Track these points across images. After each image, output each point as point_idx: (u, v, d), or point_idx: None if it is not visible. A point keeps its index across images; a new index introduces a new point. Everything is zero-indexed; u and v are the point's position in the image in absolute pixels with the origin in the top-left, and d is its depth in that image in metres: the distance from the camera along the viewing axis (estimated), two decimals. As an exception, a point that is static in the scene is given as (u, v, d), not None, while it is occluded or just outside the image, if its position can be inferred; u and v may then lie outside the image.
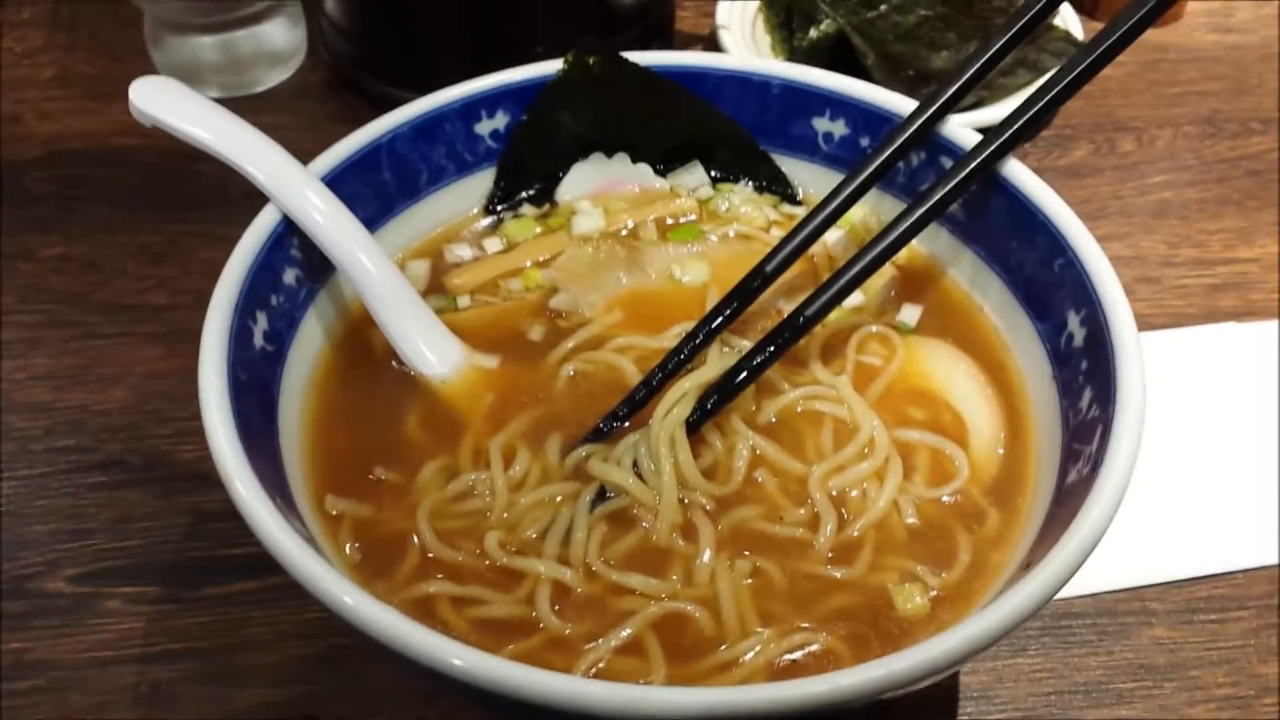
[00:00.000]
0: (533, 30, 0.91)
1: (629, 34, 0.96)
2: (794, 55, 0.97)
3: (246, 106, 0.96)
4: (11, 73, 1.03)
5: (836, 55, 0.94)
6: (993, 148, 0.57)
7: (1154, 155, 0.93)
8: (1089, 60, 0.57)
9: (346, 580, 0.42)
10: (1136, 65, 1.02)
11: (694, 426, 0.54)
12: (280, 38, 0.98)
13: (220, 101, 0.93)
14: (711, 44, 0.99)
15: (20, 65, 1.03)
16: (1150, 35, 1.04)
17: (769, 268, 0.58)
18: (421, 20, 0.92)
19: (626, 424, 0.55)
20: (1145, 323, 0.77)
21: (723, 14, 0.98)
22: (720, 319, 0.57)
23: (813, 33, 0.96)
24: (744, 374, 0.54)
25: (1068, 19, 0.98)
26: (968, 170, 0.56)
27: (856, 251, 0.57)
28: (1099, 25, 1.04)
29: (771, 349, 0.55)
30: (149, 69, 1.00)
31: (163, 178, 0.90)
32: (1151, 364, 0.72)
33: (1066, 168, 0.92)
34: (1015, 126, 0.57)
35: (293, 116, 0.96)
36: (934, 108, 0.60)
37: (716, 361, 0.56)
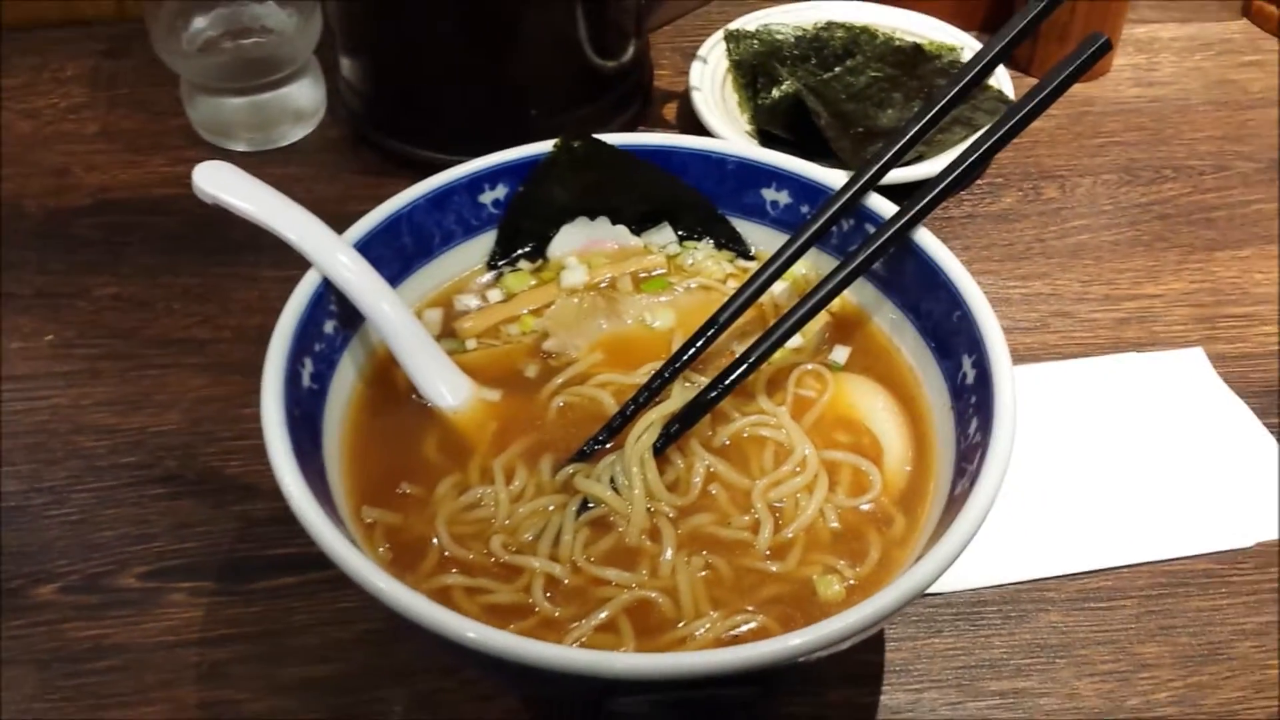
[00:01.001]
0: (526, 94, 1.02)
1: (613, 94, 1.07)
2: (757, 113, 1.08)
3: (273, 159, 1.09)
4: (58, 127, 1.13)
5: (795, 113, 1.06)
6: (906, 218, 0.68)
7: (1075, 201, 1.05)
8: (991, 141, 0.68)
9: (383, 572, 0.53)
10: (1065, 117, 1.14)
11: (660, 449, 0.65)
12: (303, 98, 1.10)
13: (247, 155, 1.08)
14: (686, 101, 1.10)
15: (65, 120, 1.14)
16: (1078, 90, 1.17)
17: (724, 316, 0.70)
18: (426, 85, 1.02)
19: (606, 446, 0.66)
20: (1058, 352, 0.91)
21: (695, 76, 1.10)
22: (683, 359, 0.68)
23: (775, 93, 1.08)
24: (701, 406, 0.66)
25: (1000, 79, 1.10)
26: (885, 236, 0.68)
27: (797, 302, 0.69)
28: (1033, 80, 1.17)
29: (725, 384, 0.66)
30: (184, 126, 1.11)
31: (202, 226, 1.00)
32: (1059, 388, 0.85)
33: (997, 213, 1.04)
34: (924, 201, 0.68)
35: (315, 168, 1.07)
36: (861, 182, 0.72)
37: (679, 395, 0.67)
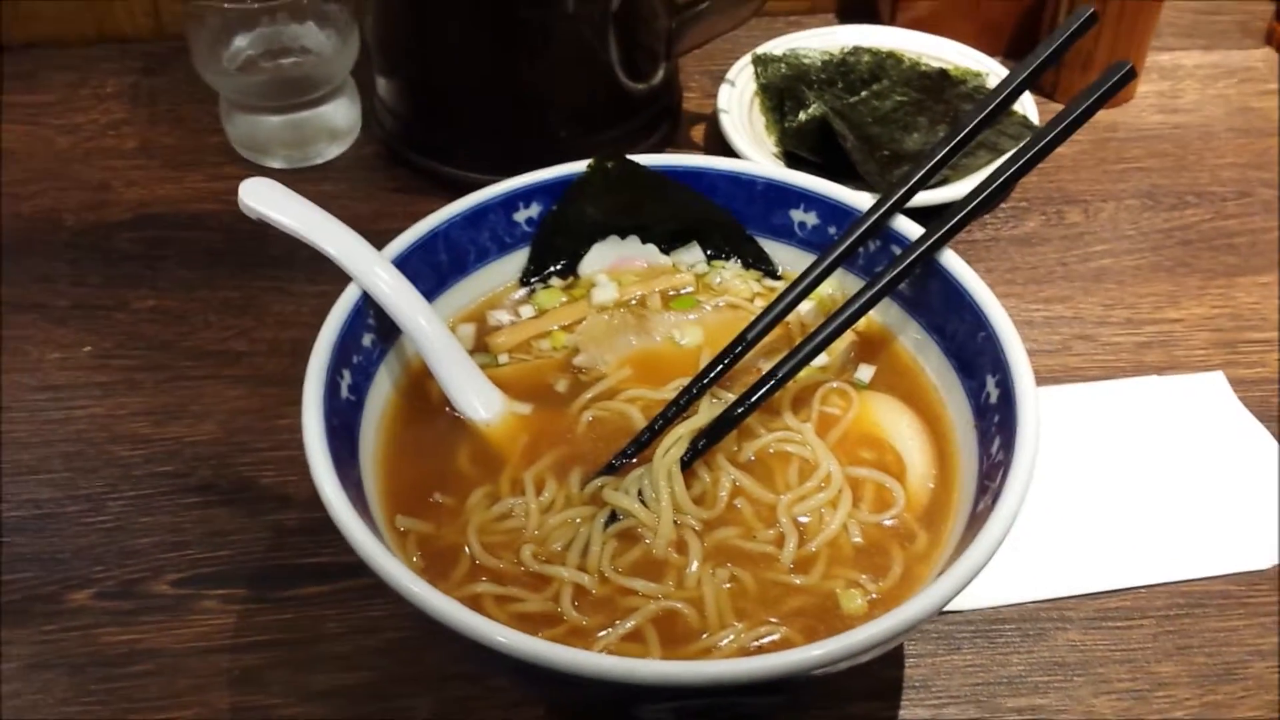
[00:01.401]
0: (556, 116, 1.04)
1: (642, 116, 1.09)
2: (784, 135, 1.10)
3: (310, 176, 1.11)
4: (98, 143, 1.16)
5: (822, 135, 1.08)
6: (932, 240, 0.70)
7: (1098, 226, 1.06)
8: (1016, 166, 0.70)
9: (418, 578, 0.55)
10: (1088, 143, 1.15)
11: (687, 463, 0.66)
12: (339, 117, 1.12)
13: (284, 172, 1.10)
14: (714, 123, 1.12)
15: (106, 136, 1.17)
16: (1102, 116, 1.18)
17: (751, 334, 0.71)
18: (459, 105, 1.05)
19: (634, 460, 0.68)
20: (1079, 374, 0.92)
21: (723, 99, 1.12)
22: (710, 376, 0.70)
23: (801, 115, 1.10)
24: (728, 421, 0.67)
25: (1025, 104, 1.11)
26: (911, 258, 0.70)
27: (823, 321, 0.70)
28: (1058, 106, 1.18)
29: (751, 401, 0.67)
30: (222, 143, 1.13)
31: (239, 240, 1.02)
32: (1080, 410, 0.86)
33: (1020, 236, 1.05)
34: (950, 224, 0.70)
35: (350, 185, 1.09)
36: (888, 205, 0.73)
37: (706, 411, 0.69)
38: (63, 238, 1.05)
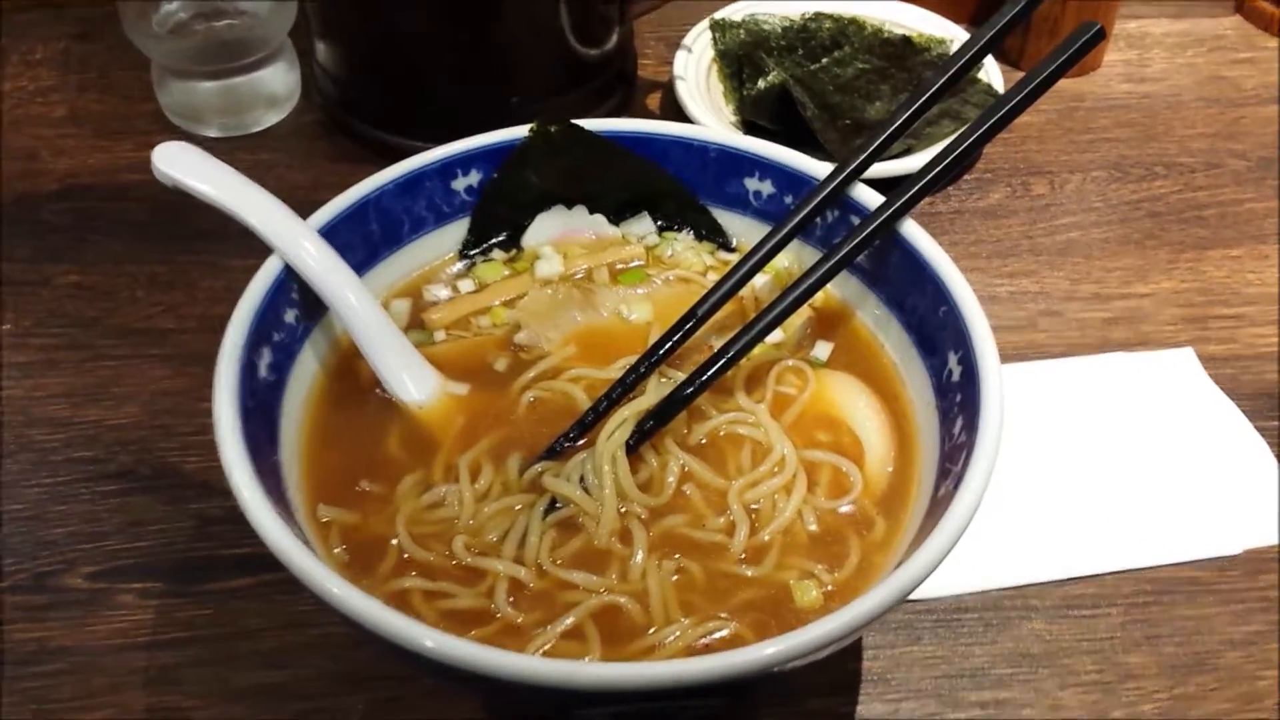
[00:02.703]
0: (507, 81, 0.99)
1: (595, 82, 1.04)
2: (743, 104, 1.06)
3: (246, 145, 1.06)
4: (26, 110, 1.10)
5: (782, 104, 1.03)
6: (892, 209, 0.66)
7: (1064, 198, 1.03)
8: (981, 130, 0.66)
9: (336, 575, 0.50)
10: (1055, 113, 1.12)
11: (633, 447, 0.62)
12: (277, 83, 1.07)
13: (220, 140, 1.05)
14: (670, 91, 1.08)
15: (34, 103, 1.11)
16: (1068, 85, 1.15)
17: (702, 309, 0.67)
18: (404, 70, 1.00)
19: (577, 444, 0.64)
20: (1045, 351, 0.88)
21: (679, 65, 1.07)
22: (659, 354, 0.66)
23: (761, 83, 1.06)
24: (677, 402, 0.63)
25: (990, 73, 1.08)
26: (871, 228, 0.66)
27: (778, 295, 0.66)
28: (1022, 74, 1.14)
29: (701, 380, 0.63)
30: (155, 110, 1.08)
31: (169, 213, 0.97)
32: (1046, 388, 0.83)
33: (985, 209, 1.01)
34: (911, 192, 0.66)
35: (288, 154, 1.04)
36: (846, 172, 0.69)
37: (654, 391, 0.65)
38: (-6, 211, 0.99)
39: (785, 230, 0.69)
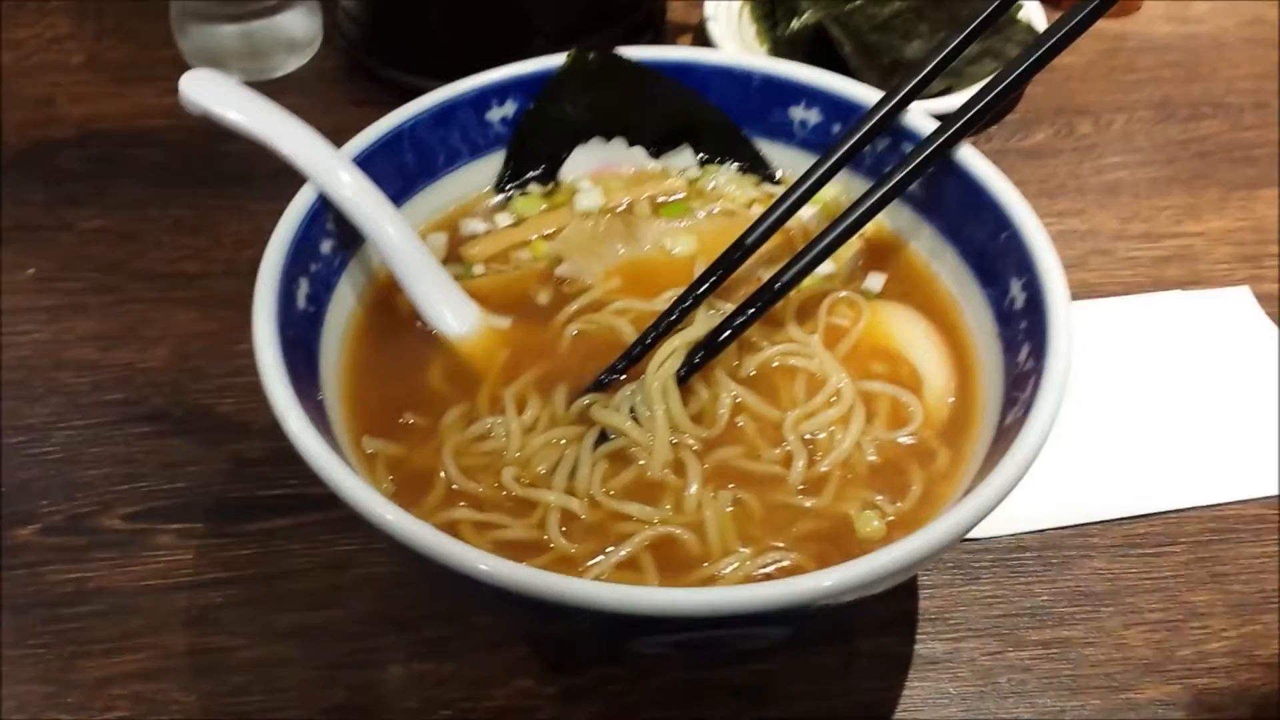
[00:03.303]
0: (533, 22, 0.97)
1: (623, 24, 1.02)
2: (777, 45, 1.03)
3: (267, 91, 1.01)
4: (42, 58, 1.08)
5: (816, 45, 1.01)
6: (946, 135, 0.63)
7: (1110, 138, 1.00)
8: (1032, 59, 0.64)
9: (390, 503, 0.49)
10: (1096, 53, 1.09)
11: (683, 379, 0.60)
12: (298, 26, 1.04)
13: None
14: (700, 34, 1.05)
15: (50, 50, 1.09)
16: (1110, 25, 1.12)
17: (749, 240, 0.65)
18: (428, 12, 0.98)
19: (623, 377, 0.62)
20: (1098, 290, 0.86)
21: (710, 6, 1.05)
22: (706, 285, 0.64)
23: (794, 23, 1.03)
24: (727, 333, 0.61)
25: (1031, 13, 1.05)
26: (924, 155, 0.63)
27: (827, 225, 0.64)
28: (1063, 16, 1.12)
29: (751, 311, 0.61)
30: (174, 56, 1.06)
31: (191, 157, 0.95)
32: (1101, 328, 0.81)
33: (1029, 149, 0.99)
34: (967, 116, 0.63)
35: (310, 100, 1.02)
36: (898, 98, 0.67)
37: (703, 322, 0.63)
38: (4, 156, 0.98)
39: (834, 159, 0.66)
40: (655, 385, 0.59)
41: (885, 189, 0.63)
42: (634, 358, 0.62)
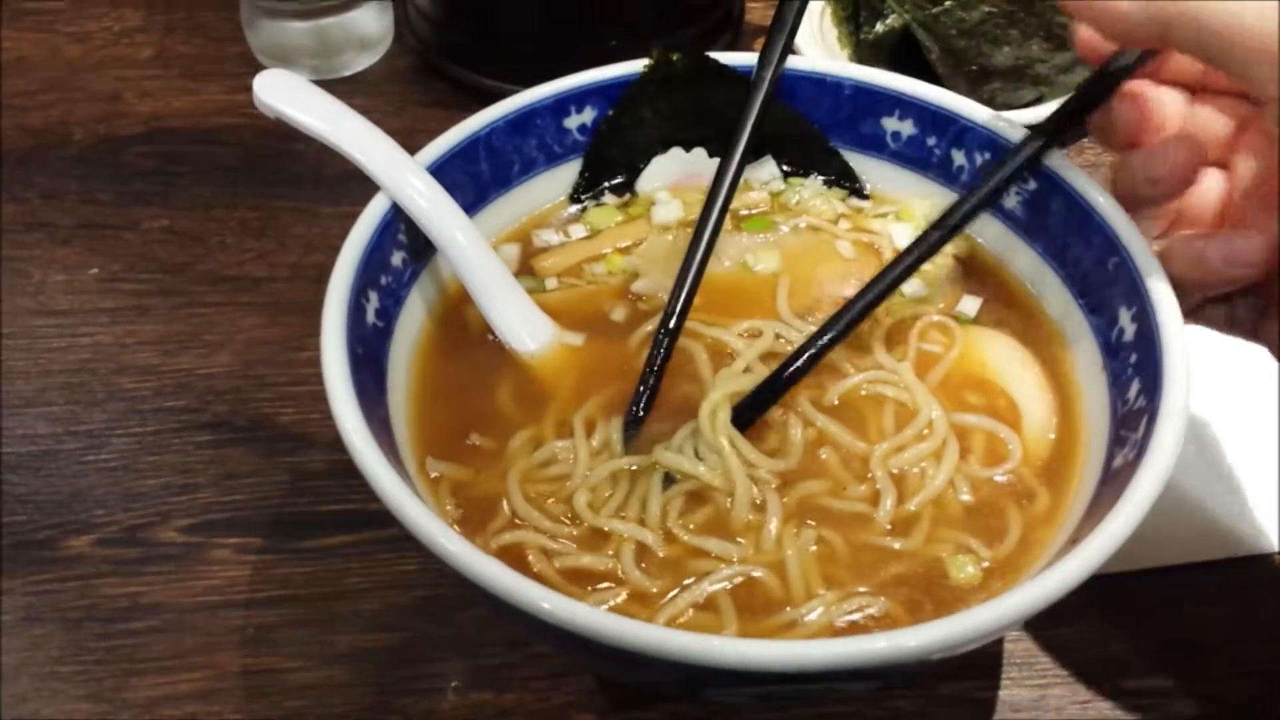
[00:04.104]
0: (608, 23, 0.94)
1: (700, 26, 0.99)
2: (860, 48, 1.00)
3: (337, 89, 0.99)
4: (110, 51, 1.07)
5: (902, 49, 0.97)
6: (1039, 144, 0.59)
7: (1209, 153, 0.95)
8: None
9: (453, 531, 0.46)
10: (1195, 63, 1.04)
11: (755, 410, 0.57)
12: (370, 24, 1.03)
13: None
14: (780, 36, 1.02)
15: (119, 44, 1.08)
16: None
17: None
18: (501, 11, 0.96)
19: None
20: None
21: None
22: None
23: (879, 27, 0.99)
24: (779, 385, 0.57)
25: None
26: (1015, 163, 0.58)
27: (915, 239, 0.59)
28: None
29: (810, 353, 0.57)
30: (244, 51, 1.04)
31: (259, 156, 0.94)
32: (1200, 355, 0.76)
33: (1122, 163, 0.94)
34: (1063, 115, 0.59)
35: (381, 99, 1.00)
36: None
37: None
38: (71, 152, 0.97)
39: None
40: (719, 435, 0.55)
41: (972, 202, 0.59)
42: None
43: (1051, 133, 0.59)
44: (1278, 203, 0.54)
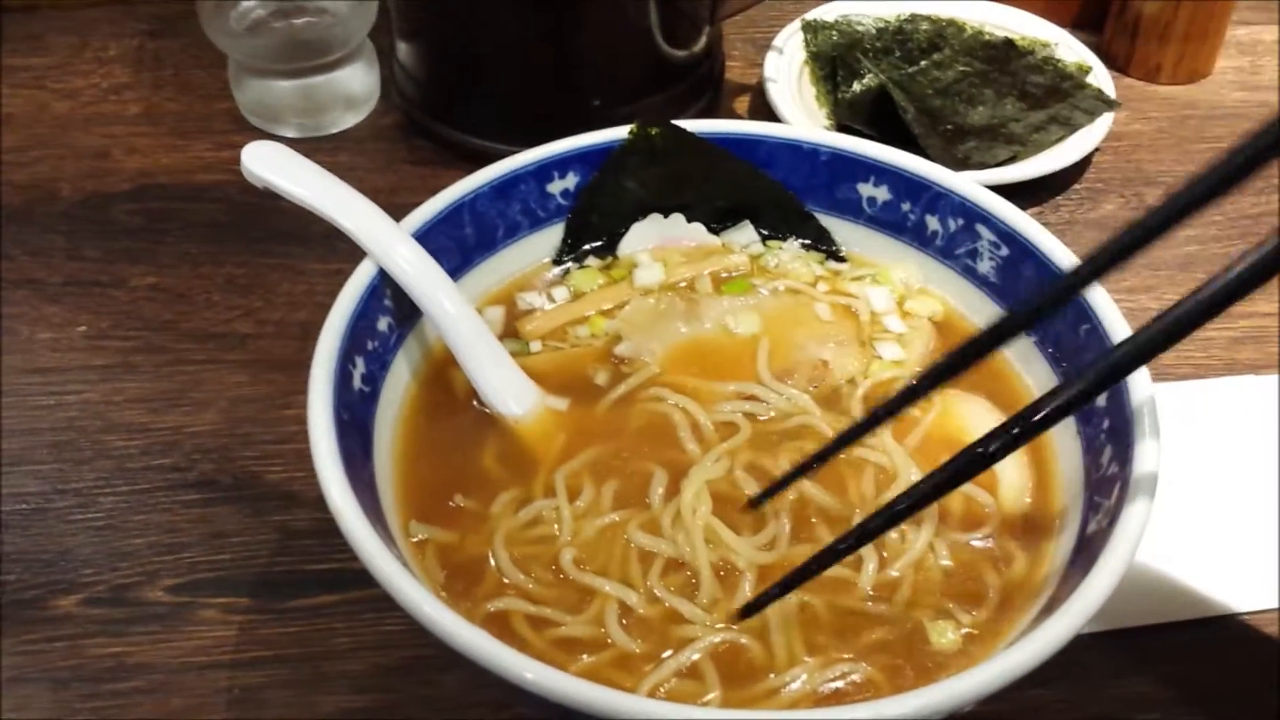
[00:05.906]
0: (591, 83, 0.95)
1: (682, 85, 1.00)
2: (838, 107, 1.01)
3: (323, 147, 1.03)
4: (98, 108, 1.07)
5: (878, 108, 0.99)
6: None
7: (1180, 210, 0.97)
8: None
9: (437, 600, 0.47)
10: (1166, 120, 1.06)
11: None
12: (356, 83, 1.04)
13: (297, 142, 1.02)
14: (759, 95, 1.04)
15: (107, 101, 1.08)
16: (1179, 92, 1.10)
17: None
18: (486, 71, 0.96)
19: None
20: (1168, 373, 0.82)
21: (770, 67, 1.03)
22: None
23: (856, 86, 1.01)
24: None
25: (1100, 78, 1.02)
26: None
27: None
28: (1131, 81, 1.09)
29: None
30: (231, 108, 1.05)
31: (246, 214, 0.94)
32: (1173, 413, 0.77)
33: (1097, 220, 0.96)
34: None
35: (367, 158, 1.01)
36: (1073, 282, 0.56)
37: (747, 430, 0.61)
38: (58, 208, 0.97)
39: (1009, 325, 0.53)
40: (695, 531, 0.57)
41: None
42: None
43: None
44: None
